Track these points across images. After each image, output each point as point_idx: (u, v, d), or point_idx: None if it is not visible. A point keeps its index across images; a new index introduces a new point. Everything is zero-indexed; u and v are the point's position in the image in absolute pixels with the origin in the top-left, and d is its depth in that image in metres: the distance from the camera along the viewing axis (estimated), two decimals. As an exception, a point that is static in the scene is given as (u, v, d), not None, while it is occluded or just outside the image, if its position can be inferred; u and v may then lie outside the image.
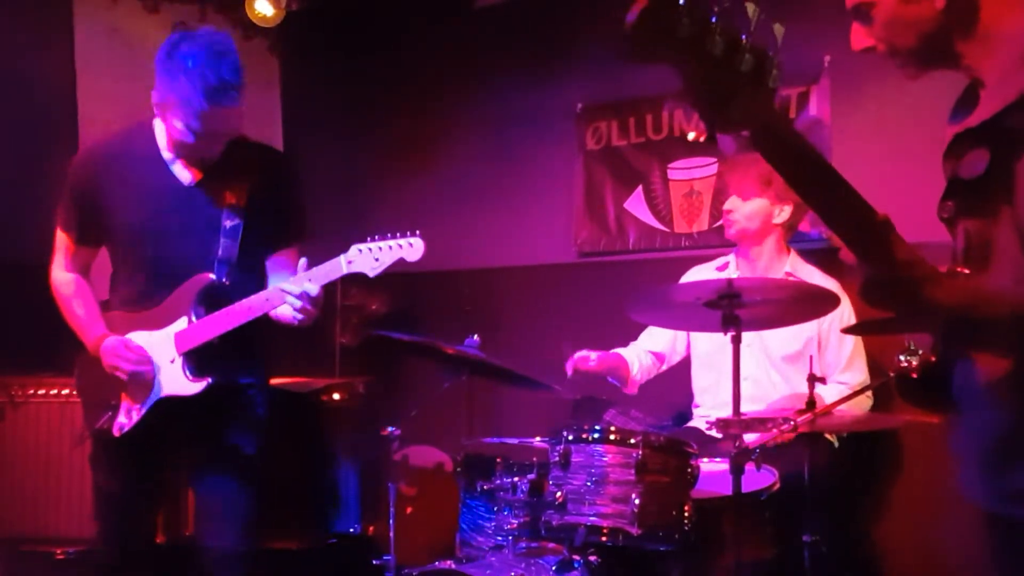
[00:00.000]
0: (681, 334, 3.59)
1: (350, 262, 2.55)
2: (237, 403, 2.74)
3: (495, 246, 4.78)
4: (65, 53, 4.29)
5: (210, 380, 2.61)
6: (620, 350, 3.56)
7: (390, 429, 3.18)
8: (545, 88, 4.65)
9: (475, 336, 3.07)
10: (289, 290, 2.52)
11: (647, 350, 3.60)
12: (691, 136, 1.33)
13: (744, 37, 1.20)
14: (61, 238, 2.81)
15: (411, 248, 2.55)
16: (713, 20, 1.17)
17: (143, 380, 2.64)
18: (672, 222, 4.27)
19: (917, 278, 1.42)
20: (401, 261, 2.55)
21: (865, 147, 3.67)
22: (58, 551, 3.64)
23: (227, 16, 4.78)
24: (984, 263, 1.51)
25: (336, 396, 4.26)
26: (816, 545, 2.72)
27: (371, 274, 2.55)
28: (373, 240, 2.56)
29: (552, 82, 4.62)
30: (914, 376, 1.70)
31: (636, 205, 4.37)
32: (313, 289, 2.52)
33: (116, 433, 2.65)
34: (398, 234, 2.57)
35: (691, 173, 4.20)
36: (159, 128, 2.70)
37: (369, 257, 2.55)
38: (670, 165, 4.26)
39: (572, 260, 4.58)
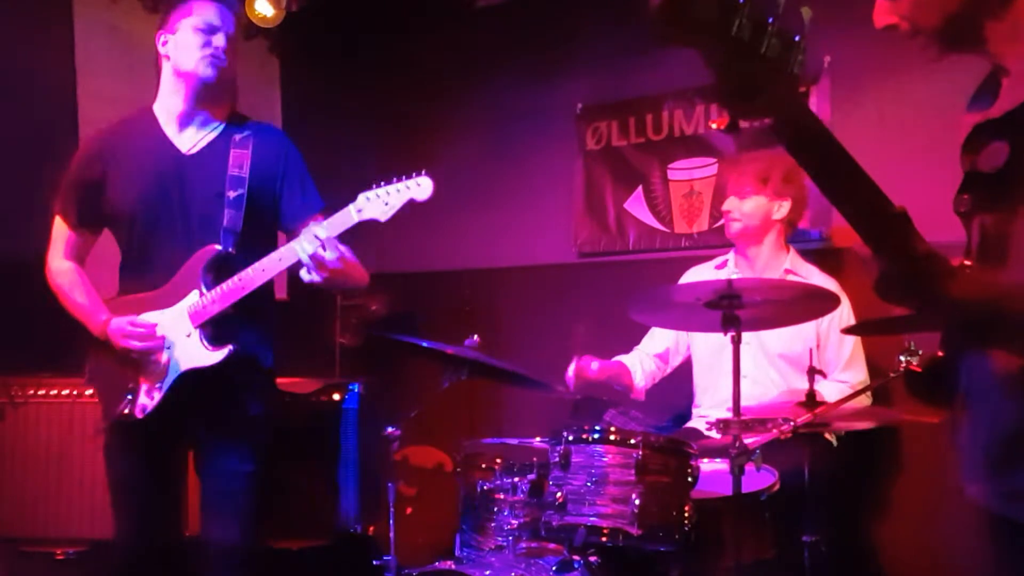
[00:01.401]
0: (682, 335, 3.60)
1: (360, 210, 2.53)
2: (251, 382, 2.75)
3: (495, 246, 4.78)
4: (65, 53, 4.29)
5: (231, 348, 2.60)
6: (622, 357, 3.56)
7: (390, 429, 3.17)
8: (545, 88, 4.65)
9: (475, 336, 3.07)
10: (301, 242, 2.50)
11: (650, 354, 3.60)
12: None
13: (771, 20, 1.16)
14: (59, 225, 2.83)
15: (419, 187, 2.55)
16: (741, 2, 1.13)
17: (158, 359, 2.64)
18: (672, 222, 4.27)
19: (933, 272, 1.40)
20: (411, 201, 2.53)
21: (865, 147, 3.62)
22: (58, 551, 3.64)
23: (227, 16, 4.78)
24: (1000, 258, 1.49)
25: (336, 396, 4.26)
26: (816, 545, 2.72)
27: (383, 219, 2.53)
28: (379, 185, 2.55)
29: (552, 82, 4.62)
30: (919, 370, 1.69)
31: (636, 205, 4.37)
32: (322, 232, 2.49)
33: (140, 415, 2.64)
34: (403, 176, 2.55)
35: (691, 173, 4.20)
36: (159, 108, 2.78)
37: (379, 203, 2.53)
38: (670, 165, 4.26)
39: (572, 260, 4.58)
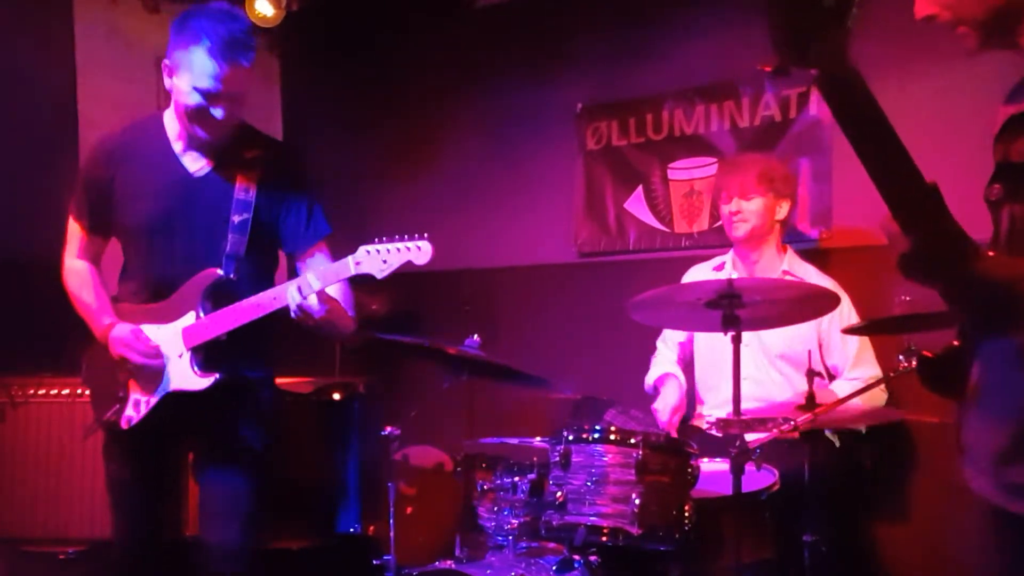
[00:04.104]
0: (688, 340, 3.62)
1: (358, 263, 2.51)
2: (245, 398, 2.73)
3: (495, 246, 4.78)
4: (65, 53, 4.29)
5: (218, 376, 2.60)
6: (666, 371, 3.57)
7: (390, 429, 3.18)
8: (545, 88, 4.65)
9: (475, 336, 3.07)
10: (292, 287, 2.52)
11: (674, 360, 3.63)
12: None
13: None
14: (73, 227, 2.82)
15: (419, 251, 2.51)
16: None
17: (151, 373, 2.63)
18: (672, 222, 4.27)
19: (960, 251, 1.39)
20: (409, 264, 2.51)
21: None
22: (59, 551, 3.64)
23: (227, 16, 4.78)
24: None
25: (336, 396, 4.26)
26: (816, 545, 2.72)
27: (379, 276, 2.51)
28: (380, 241, 2.52)
29: (552, 82, 4.62)
30: (932, 357, 1.69)
31: (636, 205, 4.37)
32: (315, 283, 2.50)
33: (124, 426, 2.65)
34: (405, 236, 2.51)
35: (691, 173, 4.20)
36: (169, 120, 2.73)
37: (377, 259, 2.50)
38: (670, 165, 4.26)
39: (572, 260, 4.58)
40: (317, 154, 4.98)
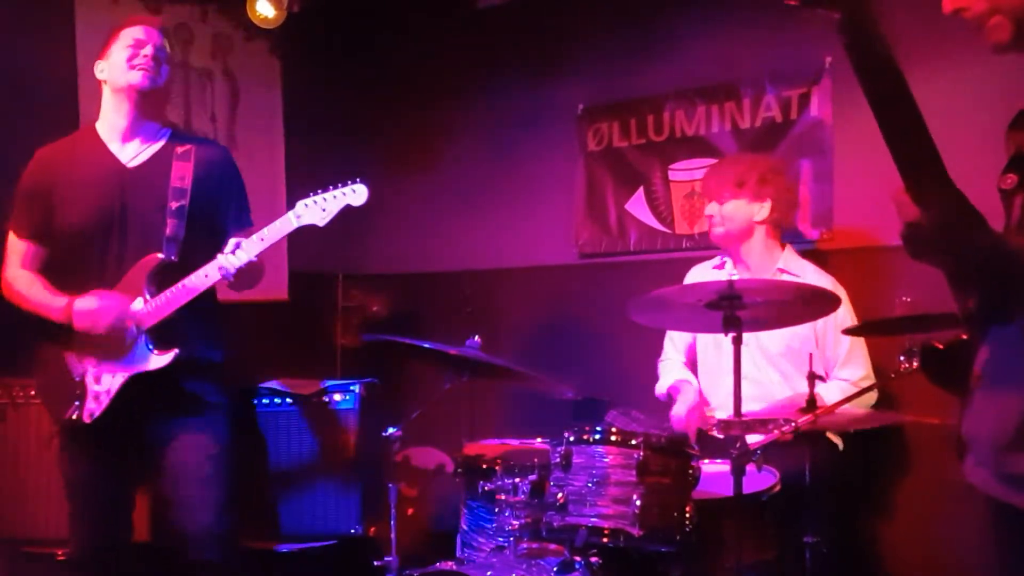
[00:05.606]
0: (691, 341, 3.62)
1: (299, 216, 2.72)
2: (202, 377, 2.82)
3: (496, 247, 4.78)
4: (66, 54, 4.28)
5: (176, 351, 2.70)
6: (679, 378, 3.56)
7: (391, 430, 3.18)
8: (546, 89, 4.65)
9: (476, 337, 3.07)
10: (243, 250, 2.71)
11: (682, 362, 3.62)
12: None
13: None
14: (13, 240, 2.92)
15: (355, 194, 2.73)
16: None
17: (119, 342, 2.71)
18: (673, 223, 4.27)
19: (967, 220, 1.39)
20: (348, 208, 2.71)
21: (866, 148, 3.66)
22: (59, 552, 3.63)
23: (228, 17, 4.78)
24: None
25: (337, 397, 4.25)
26: (817, 546, 2.72)
27: (321, 224, 2.71)
28: (316, 193, 2.74)
29: (553, 83, 4.62)
30: (940, 347, 1.69)
31: (637, 206, 4.37)
32: (260, 244, 2.71)
33: (87, 420, 2.70)
34: (340, 184, 2.74)
35: (692, 174, 4.19)
36: (101, 125, 2.91)
37: (316, 209, 2.72)
38: (671, 166, 4.26)
39: (573, 261, 4.58)
40: (318, 155, 4.99)
